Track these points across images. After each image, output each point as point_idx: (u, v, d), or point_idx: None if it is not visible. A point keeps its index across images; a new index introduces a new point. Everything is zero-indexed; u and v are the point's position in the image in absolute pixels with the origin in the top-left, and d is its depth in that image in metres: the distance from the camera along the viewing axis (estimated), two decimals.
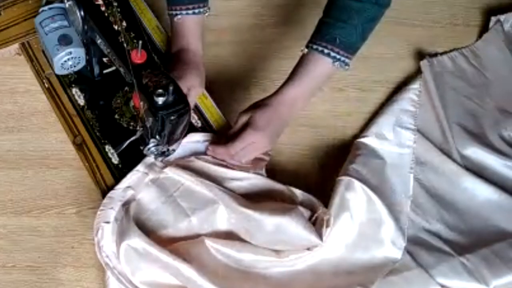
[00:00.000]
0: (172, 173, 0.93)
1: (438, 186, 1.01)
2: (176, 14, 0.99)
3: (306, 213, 0.91)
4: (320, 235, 0.89)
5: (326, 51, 0.89)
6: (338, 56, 0.89)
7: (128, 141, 0.93)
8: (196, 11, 0.99)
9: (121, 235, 0.87)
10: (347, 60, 0.90)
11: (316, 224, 0.91)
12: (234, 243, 0.89)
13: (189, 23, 1.01)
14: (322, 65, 0.90)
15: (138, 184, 0.93)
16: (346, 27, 0.88)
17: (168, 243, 0.88)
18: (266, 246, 0.90)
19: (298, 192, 0.94)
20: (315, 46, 0.90)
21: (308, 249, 0.90)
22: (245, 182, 0.95)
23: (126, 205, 0.91)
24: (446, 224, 0.97)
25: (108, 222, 0.88)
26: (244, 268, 0.88)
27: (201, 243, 0.88)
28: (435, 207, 0.99)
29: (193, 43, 1.02)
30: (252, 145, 0.91)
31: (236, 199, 0.90)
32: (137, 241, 0.85)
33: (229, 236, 0.91)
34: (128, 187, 0.92)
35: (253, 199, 0.92)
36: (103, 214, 0.89)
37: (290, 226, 0.88)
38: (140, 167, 0.94)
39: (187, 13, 0.99)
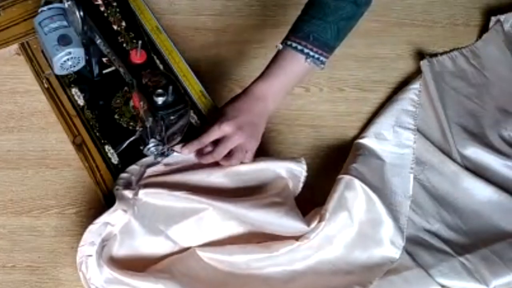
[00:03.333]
0: (146, 197, 0.91)
1: (438, 186, 1.01)
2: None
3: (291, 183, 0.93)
4: (307, 223, 0.89)
5: (299, 47, 0.89)
6: (311, 53, 0.88)
7: (127, 141, 0.93)
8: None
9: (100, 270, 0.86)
10: (321, 58, 0.89)
11: (309, 215, 0.91)
12: (225, 247, 0.89)
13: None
14: (295, 61, 0.90)
15: (117, 221, 0.90)
16: (320, 24, 0.88)
17: (153, 264, 0.87)
18: (263, 229, 0.90)
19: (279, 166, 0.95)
20: (289, 42, 0.90)
21: (297, 239, 0.89)
22: (228, 178, 0.94)
23: (105, 241, 0.88)
24: (446, 224, 0.97)
25: (90, 255, 0.86)
26: (240, 271, 0.88)
27: (191, 255, 0.88)
28: (435, 207, 0.99)
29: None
30: (226, 138, 0.91)
31: (222, 199, 0.90)
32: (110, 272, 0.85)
33: (222, 241, 0.90)
34: (107, 223, 0.89)
35: (238, 192, 0.92)
36: (84, 250, 0.87)
37: (274, 220, 0.88)
38: (117, 206, 0.89)
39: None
